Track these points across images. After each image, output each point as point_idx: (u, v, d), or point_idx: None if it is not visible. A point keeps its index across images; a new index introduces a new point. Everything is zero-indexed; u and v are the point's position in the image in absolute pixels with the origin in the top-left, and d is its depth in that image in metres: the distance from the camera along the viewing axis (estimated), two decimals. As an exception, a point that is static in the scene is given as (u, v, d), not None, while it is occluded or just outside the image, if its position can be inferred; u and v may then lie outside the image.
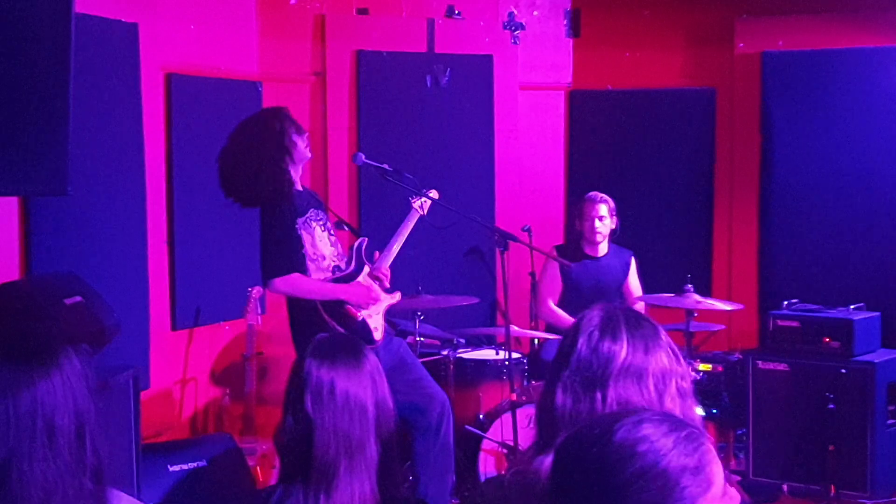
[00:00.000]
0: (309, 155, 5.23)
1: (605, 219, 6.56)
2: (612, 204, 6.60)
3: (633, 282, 6.75)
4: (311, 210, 5.13)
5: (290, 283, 5.02)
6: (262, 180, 5.00)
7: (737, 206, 7.25)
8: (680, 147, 7.43)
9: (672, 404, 2.31)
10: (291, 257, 5.03)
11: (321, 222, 5.15)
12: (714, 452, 1.70)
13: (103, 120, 5.51)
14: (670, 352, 2.37)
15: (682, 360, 2.41)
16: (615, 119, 7.61)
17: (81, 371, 2.09)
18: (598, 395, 2.29)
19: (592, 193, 6.62)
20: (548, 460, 2.22)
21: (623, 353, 2.31)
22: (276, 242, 5.02)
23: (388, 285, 5.31)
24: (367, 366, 2.85)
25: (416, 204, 5.44)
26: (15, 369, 2.03)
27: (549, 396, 2.35)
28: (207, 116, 6.39)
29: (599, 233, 6.57)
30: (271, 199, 5.02)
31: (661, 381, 2.32)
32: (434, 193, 5.49)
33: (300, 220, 5.04)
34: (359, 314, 5.13)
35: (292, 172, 5.09)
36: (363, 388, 2.80)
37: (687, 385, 2.37)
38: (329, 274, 5.15)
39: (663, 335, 2.41)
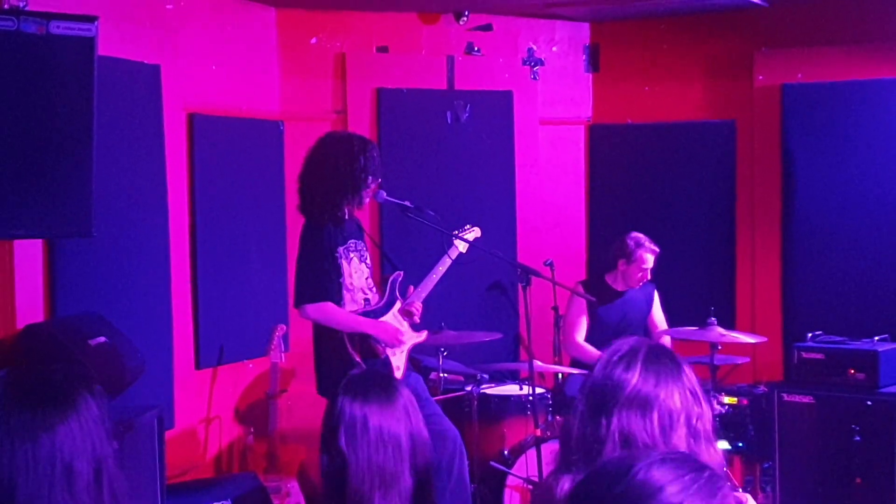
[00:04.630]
0: (366, 202, 5.29)
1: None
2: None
3: (658, 315, 6.73)
4: (352, 240, 5.19)
5: (322, 311, 5.08)
6: (318, 200, 5.12)
7: (759, 238, 7.22)
8: (701, 180, 7.41)
9: (679, 443, 2.31)
10: (327, 285, 5.08)
11: (359, 252, 5.21)
12: (733, 497, 1.69)
13: (127, 161, 5.55)
14: (688, 392, 2.37)
15: (703, 402, 2.39)
16: (636, 153, 7.60)
17: (99, 415, 2.11)
18: (604, 422, 2.32)
19: (651, 243, 6.53)
20: (564, 483, 2.26)
21: (633, 382, 2.34)
22: (313, 267, 5.09)
23: (418, 320, 5.33)
24: (401, 399, 2.88)
25: (459, 243, 5.50)
26: (33, 414, 2.06)
27: (569, 420, 2.41)
28: (230, 156, 6.44)
29: (644, 281, 6.56)
30: (319, 219, 5.12)
31: (667, 417, 2.33)
32: (476, 232, 5.58)
33: (341, 249, 5.12)
34: (383, 351, 5.15)
35: (347, 207, 5.16)
36: (396, 421, 2.84)
37: (705, 427, 2.36)
38: (361, 304, 5.18)
39: (686, 375, 2.40)
